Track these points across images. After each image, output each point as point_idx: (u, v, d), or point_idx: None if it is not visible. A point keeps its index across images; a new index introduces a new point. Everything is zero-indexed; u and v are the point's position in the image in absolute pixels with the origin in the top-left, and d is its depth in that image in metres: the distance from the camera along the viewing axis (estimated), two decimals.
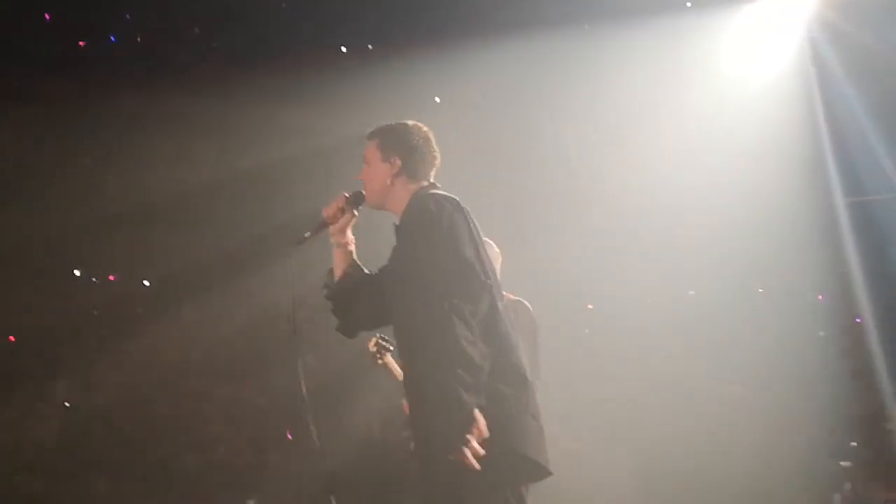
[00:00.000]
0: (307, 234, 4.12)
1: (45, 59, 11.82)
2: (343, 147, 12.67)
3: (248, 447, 12.31)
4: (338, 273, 4.18)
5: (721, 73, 11.71)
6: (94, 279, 14.10)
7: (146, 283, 13.73)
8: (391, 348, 5.37)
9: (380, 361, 5.37)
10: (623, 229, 11.69)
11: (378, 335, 5.42)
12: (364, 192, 4.17)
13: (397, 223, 4.05)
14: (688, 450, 11.44)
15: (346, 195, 4.19)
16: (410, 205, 4.00)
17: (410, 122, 4.21)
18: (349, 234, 4.21)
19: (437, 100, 12.45)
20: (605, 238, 11.77)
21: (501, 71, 11.76)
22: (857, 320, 13.05)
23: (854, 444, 12.07)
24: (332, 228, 4.17)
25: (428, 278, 3.68)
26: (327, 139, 12.44)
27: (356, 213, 4.19)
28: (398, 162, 4.10)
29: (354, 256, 4.22)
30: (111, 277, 14.15)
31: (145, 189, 12.98)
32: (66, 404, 12.06)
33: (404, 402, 5.17)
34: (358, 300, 4.16)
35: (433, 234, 3.78)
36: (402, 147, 4.12)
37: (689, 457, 11.39)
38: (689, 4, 11.39)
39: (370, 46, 12.43)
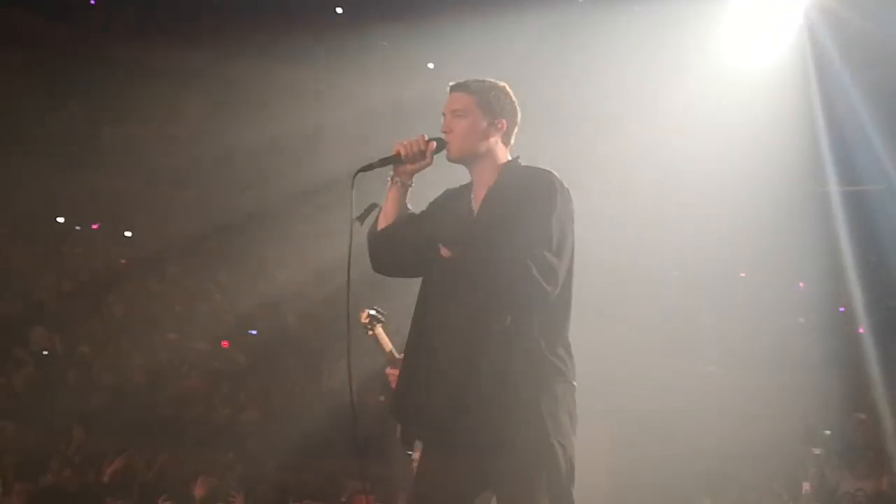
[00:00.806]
0: (375, 164, 3.87)
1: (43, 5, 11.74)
2: (337, 105, 12.66)
3: (225, 404, 12.36)
4: (391, 213, 3.93)
5: (718, 58, 11.71)
6: (77, 227, 14.09)
7: (128, 234, 13.69)
8: (383, 319, 5.42)
9: (370, 332, 5.40)
10: (611, 209, 11.71)
11: (373, 307, 5.47)
12: (449, 144, 3.92)
13: (492, 185, 3.88)
14: (661, 428, 11.53)
15: (428, 139, 3.92)
16: (530, 173, 3.87)
17: (505, 85, 4.02)
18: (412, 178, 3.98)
19: (431, 66, 12.40)
20: (593, 218, 11.80)
21: (497, 43, 11.72)
22: (842, 309, 13.12)
23: (828, 432, 12.17)
24: (401, 168, 3.90)
25: (552, 249, 3.69)
26: (321, 99, 12.38)
27: (432, 160, 3.94)
28: (504, 124, 3.93)
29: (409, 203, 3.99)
30: (94, 226, 14.15)
31: (136, 143, 12.95)
32: (45, 352, 12.04)
33: (388, 370, 5.30)
34: (404, 246, 3.94)
35: (565, 212, 3.77)
36: (508, 110, 3.95)
37: (662, 436, 11.48)
38: None
39: (338, 10, 12.37)
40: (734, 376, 12.68)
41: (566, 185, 3.79)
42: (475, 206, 3.90)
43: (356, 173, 3.84)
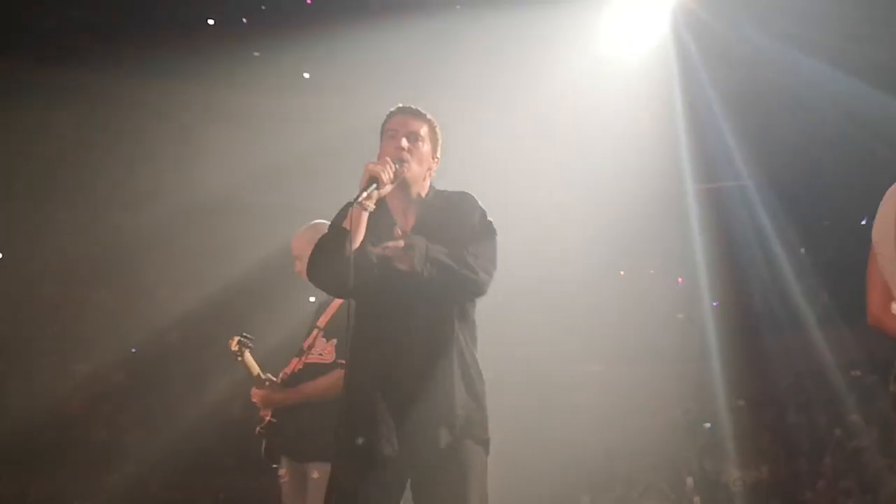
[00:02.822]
0: (363, 197, 3.78)
1: None
2: (213, 119, 12.51)
3: (106, 425, 12.12)
4: (360, 238, 3.83)
5: (589, 57, 11.86)
6: None
7: None
8: (251, 345, 5.54)
9: (239, 358, 5.50)
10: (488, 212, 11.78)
11: (240, 334, 5.57)
12: (408, 164, 3.91)
13: (420, 210, 3.95)
14: (547, 427, 11.64)
15: (394, 164, 3.89)
16: (465, 197, 4.01)
17: None
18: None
19: (307, 75, 12.34)
20: None
21: (373, 52, 11.71)
22: (715, 304, 13.43)
23: (708, 424, 12.43)
24: (375, 193, 3.81)
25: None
26: (195, 113, 12.23)
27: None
28: (439, 160, 4.06)
29: None
30: None
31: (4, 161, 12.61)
32: None
33: (253, 390, 5.37)
34: (371, 269, 3.87)
35: (493, 236, 3.92)
36: (440, 149, 4.08)
37: (547, 435, 11.58)
38: None
39: (245, 20, 12.27)
40: (618, 373, 12.89)
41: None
42: (406, 227, 3.92)
43: (350, 206, 3.77)
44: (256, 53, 12.21)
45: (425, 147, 3.99)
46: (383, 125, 4.06)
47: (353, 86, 11.80)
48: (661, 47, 11.83)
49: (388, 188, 3.83)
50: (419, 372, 3.83)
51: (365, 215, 3.82)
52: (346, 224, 3.83)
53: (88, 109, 12.83)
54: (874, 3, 11.40)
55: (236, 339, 5.49)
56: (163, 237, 13.02)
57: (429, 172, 4.00)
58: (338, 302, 5.35)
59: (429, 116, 4.05)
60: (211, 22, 12.42)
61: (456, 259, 3.79)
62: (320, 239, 3.96)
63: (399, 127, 3.98)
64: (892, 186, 3.97)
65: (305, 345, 5.36)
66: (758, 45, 11.55)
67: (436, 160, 4.03)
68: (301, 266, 5.46)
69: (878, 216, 4.00)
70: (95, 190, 13.36)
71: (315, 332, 5.34)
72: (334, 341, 5.25)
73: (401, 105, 4.07)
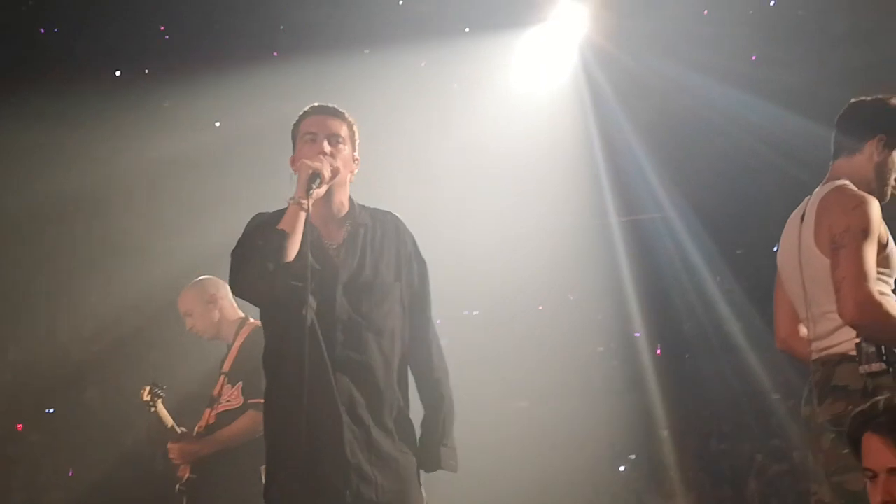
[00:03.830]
0: (312, 192, 3.49)
1: None
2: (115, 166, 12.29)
3: (22, 489, 11.79)
4: (298, 241, 3.48)
5: (501, 96, 11.93)
6: None
7: None
8: (163, 395, 5.46)
9: (153, 409, 5.40)
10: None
11: (151, 383, 5.49)
12: (332, 167, 3.62)
13: (351, 221, 3.73)
14: (471, 468, 11.53)
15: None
16: (395, 219, 3.87)
17: None
18: None
19: (217, 124, 12.24)
20: None
21: (286, 95, 11.63)
22: (637, 335, 13.52)
23: (633, 456, 12.47)
24: (315, 191, 3.53)
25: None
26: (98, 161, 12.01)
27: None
28: (358, 161, 3.83)
29: None
30: None
31: None
32: None
33: (169, 445, 5.36)
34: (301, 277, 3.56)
35: (427, 268, 3.92)
36: (358, 146, 3.85)
37: (472, 475, 11.48)
38: (467, 30, 11.54)
39: (117, 73, 12.10)
40: (544, 409, 12.88)
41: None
42: (330, 239, 3.71)
43: (300, 199, 3.49)
44: (166, 104, 12.08)
45: (346, 149, 3.74)
46: (297, 126, 3.79)
47: (262, 132, 11.76)
48: (572, 83, 11.95)
49: (324, 188, 3.58)
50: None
51: (303, 216, 3.52)
52: (282, 225, 3.50)
53: None
54: (781, 27, 11.67)
55: (147, 388, 5.41)
56: (72, 286, 12.77)
57: (350, 176, 3.77)
58: (237, 345, 5.28)
59: (347, 115, 3.79)
60: (118, 73, 12.24)
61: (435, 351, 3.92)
62: (249, 238, 3.60)
63: (318, 129, 3.72)
64: (796, 210, 4.04)
65: (215, 392, 5.28)
66: (668, 75, 11.70)
67: (356, 162, 3.80)
68: (192, 322, 5.39)
69: (782, 240, 4.06)
70: None
71: (221, 378, 5.27)
72: (240, 384, 5.18)
73: (316, 104, 3.80)
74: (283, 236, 3.46)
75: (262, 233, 3.55)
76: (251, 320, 5.43)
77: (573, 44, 11.69)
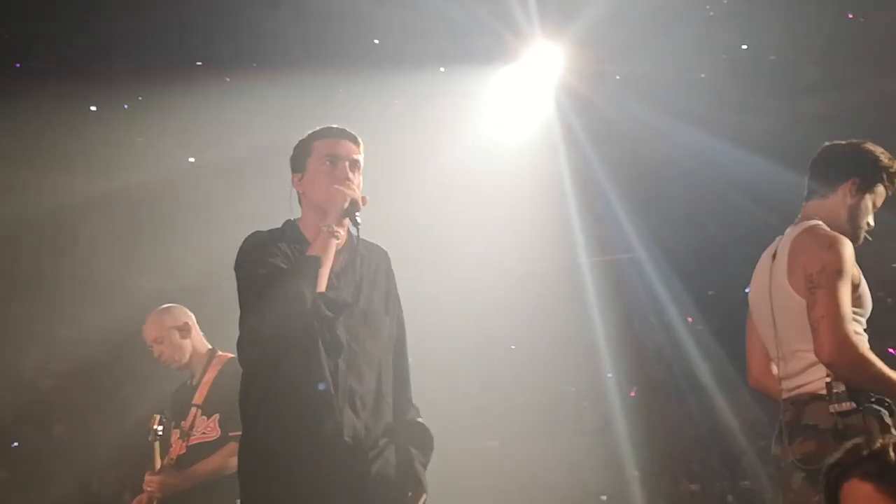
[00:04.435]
0: (338, 224, 3.38)
1: None
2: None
3: None
4: (327, 273, 3.37)
5: (475, 134, 11.97)
6: None
7: None
8: (162, 434, 5.29)
9: (157, 440, 5.26)
10: None
11: (161, 412, 5.36)
12: (364, 199, 3.49)
13: (350, 251, 3.58)
14: None
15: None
16: (383, 253, 3.78)
17: None
18: None
19: (140, 139, 12.14)
20: None
21: (260, 134, 11.62)
22: (609, 375, 13.53)
23: (604, 497, 12.44)
24: (343, 220, 3.43)
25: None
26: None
27: None
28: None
29: None
30: None
31: None
32: None
33: (147, 476, 5.17)
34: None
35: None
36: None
37: None
38: (442, 69, 11.59)
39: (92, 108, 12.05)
40: (514, 448, 12.84)
41: None
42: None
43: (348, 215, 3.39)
44: (140, 139, 12.05)
45: (360, 174, 3.59)
46: (307, 146, 3.59)
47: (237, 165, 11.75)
48: (545, 126, 12.02)
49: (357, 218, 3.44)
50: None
51: (334, 244, 3.39)
52: (315, 251, 3.33)
53: None
54: (749, 74, 11.81)
55: (158, 417, 5.30)
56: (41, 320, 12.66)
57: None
58: (210, 377, 5.23)
59: (359, 139, 3.63)
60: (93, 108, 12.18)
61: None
62: (265, 256, 3.37)
63: (340, 152, 3.53)
64: (767, 249, 4.08)
65: (185, 425, 5.21)
66: (640, 118, 11.81)
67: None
68: (161, 350, 5.33)
69: (753, 279, 4.09)
70: None
71: (193, 410, 5.20)
72: (217, 417, 5.12)
73: (332, 126, 3.61)
74: (319, 263, 3.35)
75: (288, 258, 3.42)
76: (220, 353, 5.38)
77: (548, 85, 11.78)
